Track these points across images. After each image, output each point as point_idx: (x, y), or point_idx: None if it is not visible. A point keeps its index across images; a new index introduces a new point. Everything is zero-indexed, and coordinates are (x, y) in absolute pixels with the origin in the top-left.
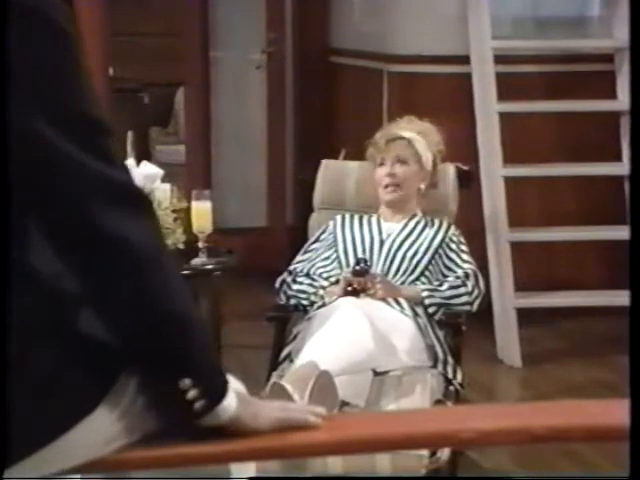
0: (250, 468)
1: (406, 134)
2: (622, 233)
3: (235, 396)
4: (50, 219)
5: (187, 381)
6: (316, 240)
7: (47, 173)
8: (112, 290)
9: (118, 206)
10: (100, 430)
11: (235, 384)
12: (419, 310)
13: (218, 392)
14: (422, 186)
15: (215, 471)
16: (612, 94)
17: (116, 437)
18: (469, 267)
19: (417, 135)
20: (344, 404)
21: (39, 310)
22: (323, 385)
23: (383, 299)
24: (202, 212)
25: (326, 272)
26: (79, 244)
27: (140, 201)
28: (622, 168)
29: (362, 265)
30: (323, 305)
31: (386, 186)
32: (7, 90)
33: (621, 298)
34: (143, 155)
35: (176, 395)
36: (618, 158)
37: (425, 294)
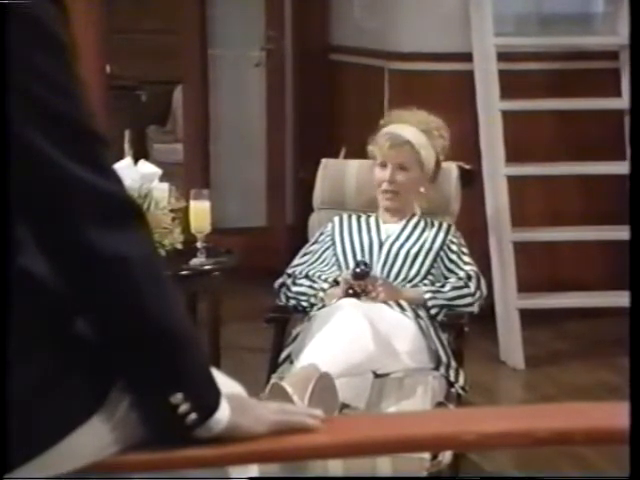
0: (252, 468)
1: (411, 136)
2: (626, 233)
3: (228, 407)
4: (42, 229)
5: (178, 395)
6: (314, 242)
7: (38, 183)
8: (104, 305)
9: (111, 220)
10: (95, 438)
11: (234, 386)
12: (420, 312)
13: (209, 406)
14: (422, 189)
15: (213, 472)
16: (617, 92)
17: (111, 444)
18: (471, 269)
19: (421, 135)
20: (344, 406)
21: (34, 314)
22: (323, 387)
23: (384, 301)
24: (200, 212)
25: (325, 274)
26: (71, 259)
27: (133, 213)
28: (627, 167)
29: (362, 267)
30: (323, 306)
31: (385, 191)
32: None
33: (625, 299)
34: (141, 154)
35: (168, 409)
36: (623, 157)
37: (427, 295)
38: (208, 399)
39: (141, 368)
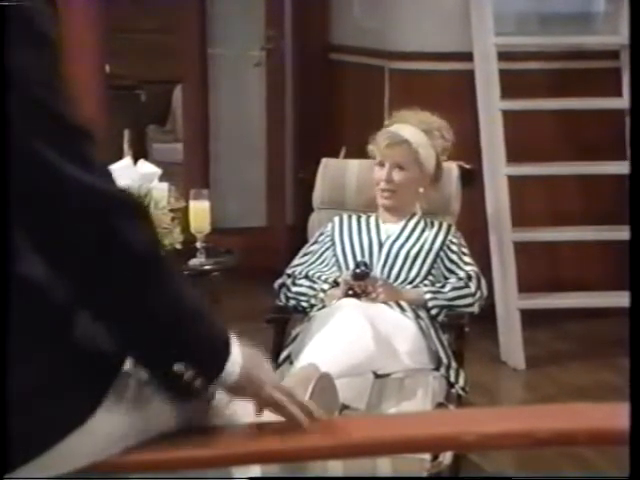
0: (254, 467)
1: (409, 136)
2: (627, 233)
3: (241, 356)
4: (38, 228)
5: (181, 365)
6: (314, 242)
7: (29, 180)
8: (105, 293)
9: (102, 214)
10: (106, 429)
11: None
12: (421, 312)
13: (215, 368)
14: (421, 190)
15: (217, 471)
16: (618, 92)
17: (127, 433)
18: (471, 269)
19: (421, 135)
20: (344, 407)
21: (33, 316)
22: (324, 388)
23: (384, 302)
24: (200, 212)
25: (325, 275)
26: (68, 254)
27: (126, 207)
28: (627, 167)
29: (362, 268)
30: (323, 307)
31: (382, 190)
32: None
33: (626, 299)
34: (140, 154)
35: (174, 378)
36: (623, 157)
37: (428, 296)
38: (213, 362)
39: (143, 343)
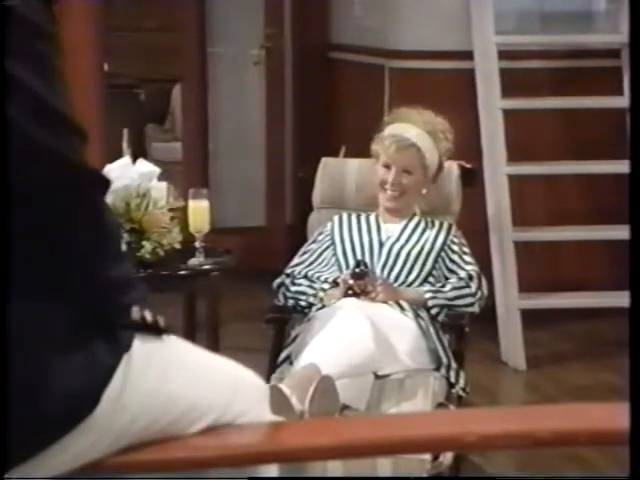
0: (272, 467)
1: (417, 139)
2: (628, 233)
3: None
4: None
5: (134, 310)
6: (313, 241)
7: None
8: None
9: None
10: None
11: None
12: (421, 312)
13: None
14: (424, 191)
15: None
16: (619, 90)
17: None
18: (472, 269)
19: (427, 137)
20: (345, 407)
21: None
22: (324, 389)
23: (384, 301)
24: (199, 211)
25: (325, 275)
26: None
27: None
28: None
29: (361, 268)
30: (323, 307)
31: (388, 192)
32: None
33: (627, 299)
34: (139, 153)
35: (141, 324)
36: (625, 156)
37: (428, 296)
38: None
39: (102, 304)
